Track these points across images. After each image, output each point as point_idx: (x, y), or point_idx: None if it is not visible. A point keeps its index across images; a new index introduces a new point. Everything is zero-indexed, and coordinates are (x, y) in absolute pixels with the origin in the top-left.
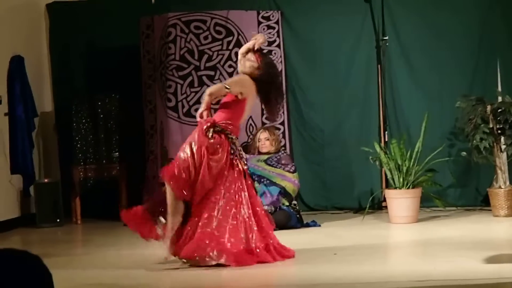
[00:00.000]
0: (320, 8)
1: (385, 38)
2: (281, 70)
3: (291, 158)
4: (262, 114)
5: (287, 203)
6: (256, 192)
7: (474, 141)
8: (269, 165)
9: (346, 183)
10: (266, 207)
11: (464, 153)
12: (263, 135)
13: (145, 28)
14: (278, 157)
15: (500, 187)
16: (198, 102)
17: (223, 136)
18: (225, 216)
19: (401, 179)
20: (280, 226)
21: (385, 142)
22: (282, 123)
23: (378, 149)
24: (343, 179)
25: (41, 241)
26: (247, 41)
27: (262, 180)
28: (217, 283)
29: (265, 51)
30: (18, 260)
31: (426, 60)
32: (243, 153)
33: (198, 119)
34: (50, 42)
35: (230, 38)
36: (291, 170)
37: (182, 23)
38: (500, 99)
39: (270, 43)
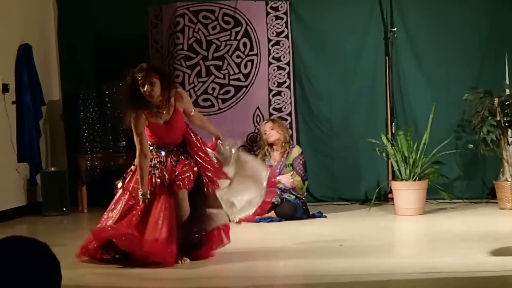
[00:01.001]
0: None
1: (393, 29)
2: (289, 61)
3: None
4: (270, 105)
5: (293, 196)
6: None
7: (481, 134)
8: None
9: (353, 174)
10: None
11: (471, 146)
12: (267, 126)
13: (153, 17)
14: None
15: (506, 180)
16: (206, 92)
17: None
18: None
19: (407, 171)
20: (286, 218)
21: (392, 133)
22: (290, 114)
23: (385, 140)
24: (350, 170)
25: (47, 230)
26: (255, 32)
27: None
28: (219, 276)
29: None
30: (27, 247)
31: (434, 52)
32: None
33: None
34: (58, 31)
35: (238, 28)
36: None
37: (190, 12)
38: (507, 91)
39: (278, 34)
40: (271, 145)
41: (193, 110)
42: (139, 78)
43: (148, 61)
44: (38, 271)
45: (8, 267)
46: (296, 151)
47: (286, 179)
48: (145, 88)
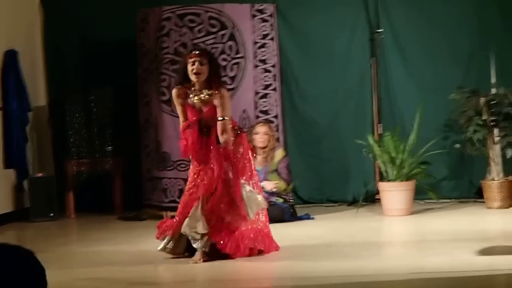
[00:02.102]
0: (315, 0)
1: (379, 30)
2: (275, 63)
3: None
4: (256, 107)
5: (281, 200)
6: None
7: (468, 133)
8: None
9: (341, 176)
10: None
11: (458, 145)
12: (262, 129)
13: (140, 21)
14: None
15: (493, 179)
16: None
17: None
18: None
19: (395, 172)
20: (274, 221)
21: (379, 134)
22: (276, 116)
23: (372, 141)
24: (338, 172)
25: (35, 236)
26: (242, 35)
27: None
28: (212, 276)
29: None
30: (11, 255)
31: (421, 52)
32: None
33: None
34: (45, 36)
35: (224, 32)
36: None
37: (176, 16)
38: (494, 91)
39: (264, 36)
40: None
41: (223, 118)
42: (192, 56)
43: (201, 46)
44: (21, 279)
45: None
46: (279, 154)
47: (270, 186)
48: (195, 66)
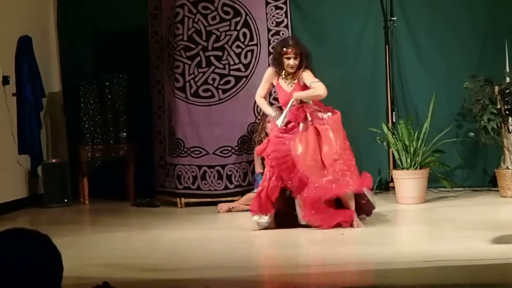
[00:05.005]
0: None
1: (393, 18)
2: None
3: None
4: (270, 95)
5: None
6: None
7: (482, 122)
8: None
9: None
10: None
11: (471, 134)
12: None
13: (153, 8)
14: None
15: (507, 168)
16: (206, 82)
17: None
18: None
19: (408, 160)
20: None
21: (392, 123)
22: None
23: (385, 129)
24: None
25: (49, 221)
26: (255, 22)
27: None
28: (224, 262)
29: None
30: (28, 239)
31: (434, 40)
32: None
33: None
34: (58, 22)
35: (238, 19)
36: None
37: (190, 3)
38: (508, 80)
39: (277, 24)
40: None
41: (312, 83)
42: (288, 52)
43: (294, 37)
44: (39, 262)
45: (9, 259)
46: None
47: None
48: (290, 61)
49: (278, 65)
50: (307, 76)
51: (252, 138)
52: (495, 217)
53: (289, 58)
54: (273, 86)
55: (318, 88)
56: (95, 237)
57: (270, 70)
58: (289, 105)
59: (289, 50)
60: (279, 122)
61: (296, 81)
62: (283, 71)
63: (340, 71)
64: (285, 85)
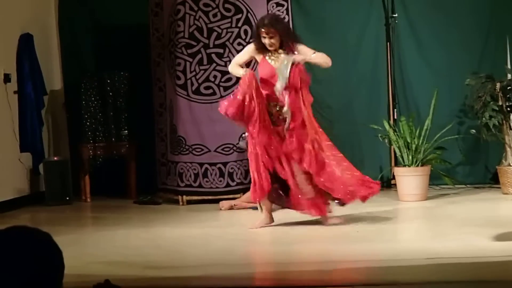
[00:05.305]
0: None
1: (394, 15)
2: None
3: None
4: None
5: None
6: None
7: (483, 119)
8: None
9: (355, 160)
10: None
11: (473, 131)
12: None
13: (154, 5)
14: None
15: (509, 165)
16: (208, 79)
17: None
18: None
19: (410, 157)
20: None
21: (394, 120)
22: None
23: (387, 126)
24: (352, 156)
25: (50, 219)
26: (256, 19)
27: None
28: (226, 259)
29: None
30: (29, 237)
31: (435, 37)
32: None
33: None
34: (59, 19)
35: (239, 16)
36: None
37: (191, 0)
38: (509, 76)
39: None
40: None
41: (312, 55)
42: (263, 31)
43: (270, 16)
44: (40, 260)
45: (10, 257)
46: None
47: None
48: (265, 40)
49: (259, 43)
50: (303, 50)
51: None
52: (497, 214)
53: (264, 38)
54: (256, 62)
55: (320, 56)
56: (96, 235)
57: (252, 45)
58: (288, 68)
59: (263, 30)
60: (279, 86)
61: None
62: (269, 51)
63: (341, 68)
64: (272, 62)
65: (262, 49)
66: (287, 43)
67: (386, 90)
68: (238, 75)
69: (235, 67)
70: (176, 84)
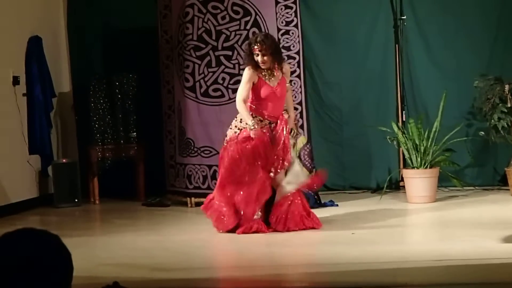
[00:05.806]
0: None
1: (402, 17)
2: (299, 50)
3: (311, 156)
4: None
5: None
6: None
7: (492, 121)
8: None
9: (364, 162)
10: None
11: (482, 133)
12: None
13: (162, 8)
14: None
15: None
16: (216, 82)
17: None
18: None
19: (418, 159)
20: None
21: (402, 121)
22: (300, 103)
23: (395, 129)
24: (361, 158)
25: (59, 221)
26: (265, 21)
27: None
28: (234, 262)
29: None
30: (38, 239)
31: (444, 39)
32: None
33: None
34: (68, 22)
35: (248, 18)
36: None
37: (199, 3)
38: None
39: (287, 23)
40: None
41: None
42: (255, 49)
43: (263, 34)
44: (49, 262)
45: (19, 259)
46: (301, 141)
47: None
48: (258, 58)
49: (251, 61)
50: (288, 71)
51: None
52: (506, 216)
53: (257, 55)
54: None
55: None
56: (105, 237)
57: (249, 71)
58: (303, 175)
59: (255, 47)
60: (289, 188)
61: (279, 75)
62: (263, 70)
63: (350, 70)
64: (269, 82)
65: (255, 67)
66: (274, 63)
67: (394, 92)
68: (245, 118)
69: (244, 110)
70: (184, 86)
